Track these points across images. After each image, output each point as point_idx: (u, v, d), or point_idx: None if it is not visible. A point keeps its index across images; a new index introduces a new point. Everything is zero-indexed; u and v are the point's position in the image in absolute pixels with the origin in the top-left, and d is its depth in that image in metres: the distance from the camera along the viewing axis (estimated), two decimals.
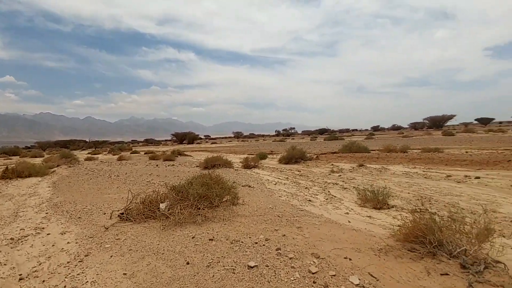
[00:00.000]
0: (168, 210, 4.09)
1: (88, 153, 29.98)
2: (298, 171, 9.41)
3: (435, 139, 26.13)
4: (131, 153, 27.91)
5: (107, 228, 3.88)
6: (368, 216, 3.94)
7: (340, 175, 8.10)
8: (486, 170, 8.09)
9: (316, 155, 13.65)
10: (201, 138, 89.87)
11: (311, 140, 41.38)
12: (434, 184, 6.37)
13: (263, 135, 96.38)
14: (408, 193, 5.66)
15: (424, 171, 8.22)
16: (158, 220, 3.97)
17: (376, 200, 4.44)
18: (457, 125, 68.31)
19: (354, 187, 6.20)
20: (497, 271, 1.91)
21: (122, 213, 4.42)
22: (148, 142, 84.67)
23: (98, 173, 10.24)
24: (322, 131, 77.18)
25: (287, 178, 7.87)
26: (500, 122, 69.92)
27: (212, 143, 54.21)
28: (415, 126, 70.53)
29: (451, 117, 65.47)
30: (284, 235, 2.95)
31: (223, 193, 4.41)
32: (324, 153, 15.65)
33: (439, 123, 64.13)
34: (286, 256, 2.45)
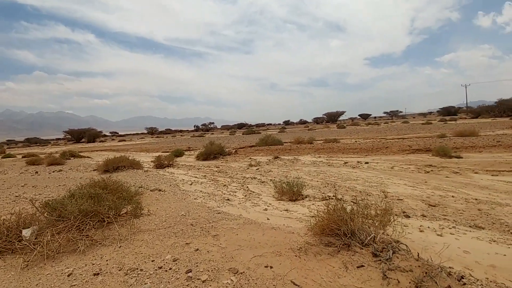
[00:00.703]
0: (35, 238, 2.96)
1: None
2: (217, 167, 9.02)
3: (332, 131, 30.56)
4: (2, 157, 21.30)
5: None
6: (286, 210, 3.89)
7: (257, 169, 8.14)
8: (371, 156, 9.72)
9: (235, 150, 13.58)
10: (105, 136, 77.64)
11: (230, 134, 41.75)
12: (336, 171, 7.13)
13: (181, 131, 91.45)
14: (317, 181, 6.09)
15: (327, 160, 9.21)
16: (19, 254, 2.81)
17: (291, 192, 4.50)
18: (346, 119, 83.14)
19: (271, 179, 6.27)
20: (403, 255, 2.00)
21: None
22: (30, 142, 67.32)
23: None
24: (240, 126, 79.38)
25: (205, 176, 7.35)
26: (375, 117, 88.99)
27: (120, 141, 47.62)
28: (317, 121, 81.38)
29: (342, 113, 79.03)
30: (197, 250, 2.47)
31: (120, 204, 3.54)
32: (243, 147, 15.80)
33: (334, 118, 76.21)
34: (198, 279, 1.98)
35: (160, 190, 5.33)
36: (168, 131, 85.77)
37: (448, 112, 55.26)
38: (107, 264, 2.33)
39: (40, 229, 3.05)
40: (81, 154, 18.49)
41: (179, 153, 13.96)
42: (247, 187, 5.62)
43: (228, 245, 2.55)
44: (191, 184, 6.10)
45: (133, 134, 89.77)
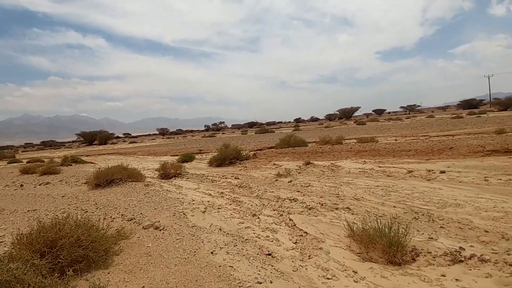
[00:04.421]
0: None
1: None
2: (236, 178, 7.09)
3: (352, 128, 27.99)
4: (8, 163, 20.30)
5: None
6: None
7: (290, 181, 6.15)
8: (435, 160, 7.51)
9: (253, 152, 11.63)
10: (118, 137, 77.50)
11: (242, 134, 39.95)
12: (408, 187, 5.03)
13: (191, 131, 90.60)
14: (394, 206, 4.04)
15: (379, 167, 7.08)
16: None
17: (388, 244, 2.47)
18: (361, 115, 79.58)
19: (320, 203, 4.26)
20: None
21: None
22: (46, 145, 68.01)
23: None
24: (251, 125, 77.56)
25: (222, 193, 5.43)
26: (389, 112, 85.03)
27: (130, 143, 46.73)
28: (330, 117, 78.40)
29: (357, 108, 75.64)
30: None
31: None
32: (261, 149, 13.82)
33: (348, 114, 73.02)
34: None
35: (157, 228, 3.42)
36: (179, 132, 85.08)
37: (469, 105, 51.83)
38: None
39: None
40: (85, 159, 17.05)
41: (189, 158, 12.17)
42: (291, 219, 3.63)
43: None
44: (204, 212, 4.17)
45: (145, 135, 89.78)
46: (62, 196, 5.96)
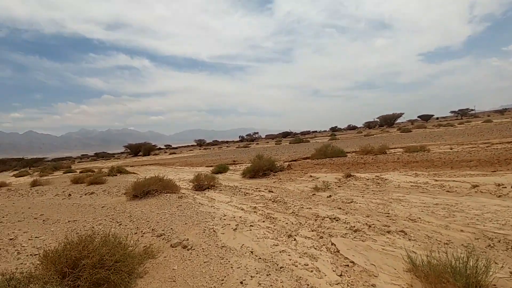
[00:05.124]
0: None
1: (13, 175, 24.20)
2: (270, 191, 6.72)
3: (396, 136, 25.75)
4: (64, 172, 22.69)
5: None
6: None
7: (330, 196, 5.59)
8: (503, 171, 6.31)
9: (287, 163, 11.18)
10: (160, 148, 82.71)
11: (276, 144, 39.56)
12: (477, 205, 4.16)
13: (226, 142, 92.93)
14: (461, 230, 3.29)
15: (435, 180, 6.13)
16: None
17: (464, 286, 1.88)
18: (404, 122, 73.49)
19: (367, 224, 3.67)
20: None
21: None
22: (98, 156, 75.39)
23: None
24: (285, 134, 76.78)
25: (255, 208, 5.10)
26: (437, 118, 77.28)
27: (170, 154, 49.35)
28: (369, 125, 73.98)
29: (400, 115, 70.11)
30: None
31: None
32: (296, 160, 13.29)
33: (390, 121, 68.02)
34: None
35: (185, 247, 3.20)
36: (215, 143, 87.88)
37: None
38: None
39: None
40: (129, 169, 18.21)
41: (222, 169, 12.15)
42: (333, 243, 3.14)
43: None
44: (235, 229, 3.86)
45: (184, 147, 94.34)
46: (102, 207, 6.18)
